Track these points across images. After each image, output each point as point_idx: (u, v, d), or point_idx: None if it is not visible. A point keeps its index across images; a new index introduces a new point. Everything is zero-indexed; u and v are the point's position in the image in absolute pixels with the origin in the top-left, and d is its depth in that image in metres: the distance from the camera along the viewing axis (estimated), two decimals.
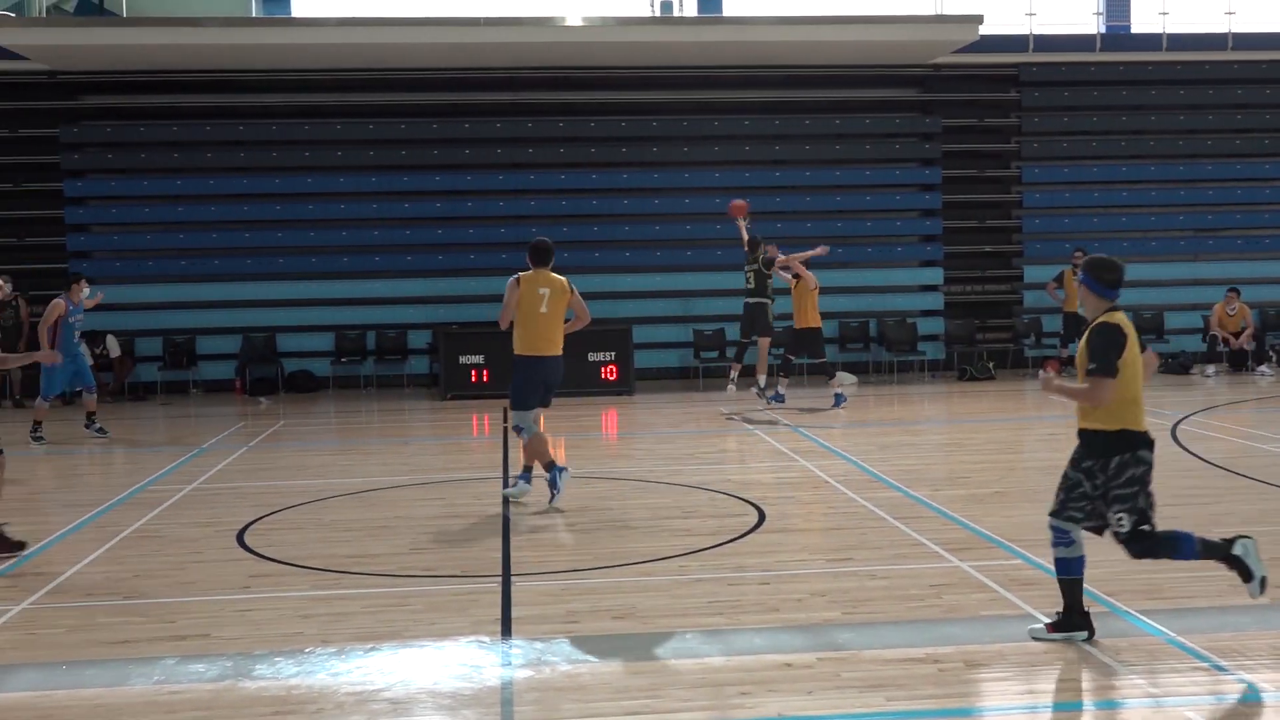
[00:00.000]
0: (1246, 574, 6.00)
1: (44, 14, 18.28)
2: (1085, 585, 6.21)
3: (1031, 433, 14.32)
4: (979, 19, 18.36)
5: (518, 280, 9.77)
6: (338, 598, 7.31)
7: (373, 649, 6.29)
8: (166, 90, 19.80)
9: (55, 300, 14.18)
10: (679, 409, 16.69)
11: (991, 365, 19.57)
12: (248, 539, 8.87)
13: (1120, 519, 5.93)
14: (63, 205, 19.57)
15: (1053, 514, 6.11)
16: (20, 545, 8.48)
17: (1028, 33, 20.69)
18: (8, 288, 17.74)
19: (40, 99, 19.68)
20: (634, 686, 5.67)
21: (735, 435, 14.06)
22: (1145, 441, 5.97)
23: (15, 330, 17.87)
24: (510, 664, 6.06)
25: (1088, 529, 6.07)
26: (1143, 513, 5.93)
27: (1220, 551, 6.04)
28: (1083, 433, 6.05)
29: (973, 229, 21.05)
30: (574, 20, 18.12)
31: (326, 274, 19.91)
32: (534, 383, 9.84)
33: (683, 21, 19.31)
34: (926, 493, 10.01)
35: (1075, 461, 6.05)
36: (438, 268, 20.00)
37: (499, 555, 8.27)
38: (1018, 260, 21.08)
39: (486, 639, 6.42)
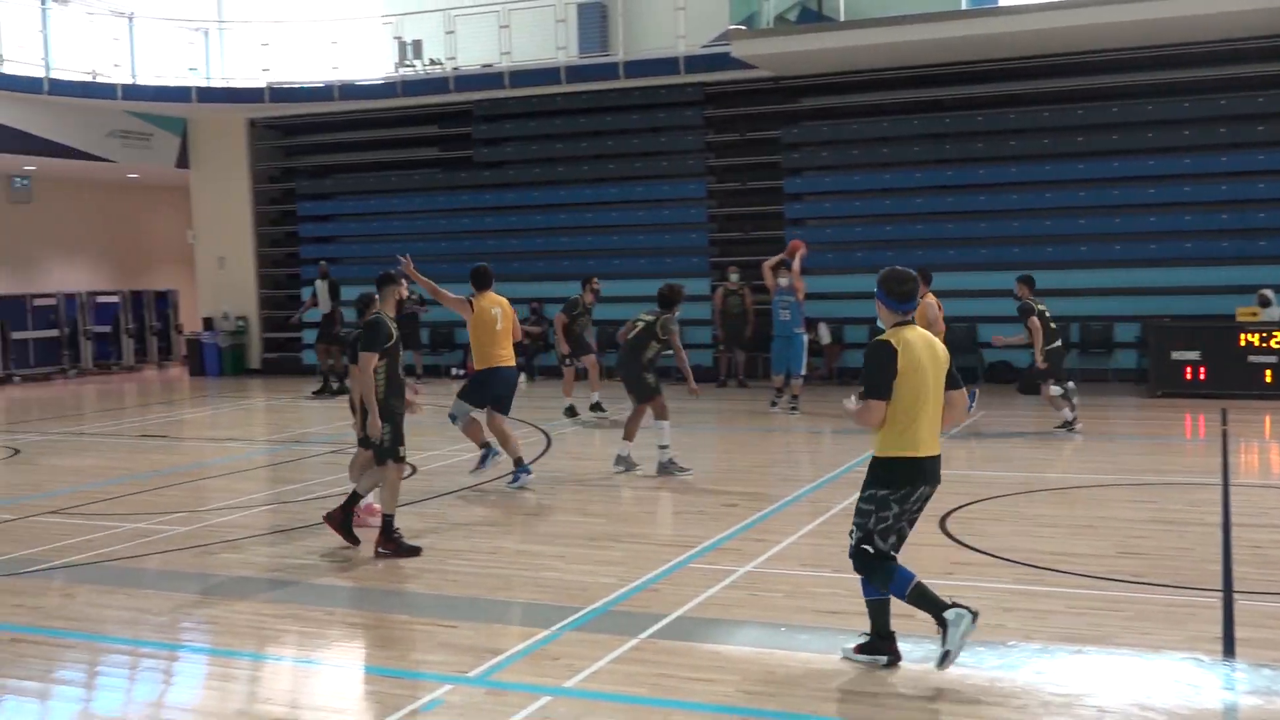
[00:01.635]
0: (943, 641, 5.60)
1: (770, 25, 19.73)
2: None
3: None
4: None
5: (469, 301, 10.86)
6: (1040, 594, 7.15)
7: (1078, 651, 6.08)
8: (876, 88, 20.59)
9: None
10: None
11: None
12: (950, 526, 8.96)
13: (850, 531, 5.88)
14: (783, 201, 21.11)
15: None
16: (416, 550, 8.56)
17: None
18: (734, 277, 19.50)
19: (765, 104, 21.35)
20: None
21: None
22: (903, 470, 5.66)
23: (741, 317, 19.59)
24: (1234, 688, 5.56)
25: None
26: (868, 533, 5.78)
27: (932, 608, 5.68)
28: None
29: None
30: None
31: (1029, 264, 19.54)
32: (489, 391, 10.91)
33: None
34: None
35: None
36: (1148, 257, 18.88)
37: (1218, 569, 7.62)
38: None
39: (1205, 657, 5.94)
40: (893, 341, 5.71)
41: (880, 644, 5.94)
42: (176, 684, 6.28)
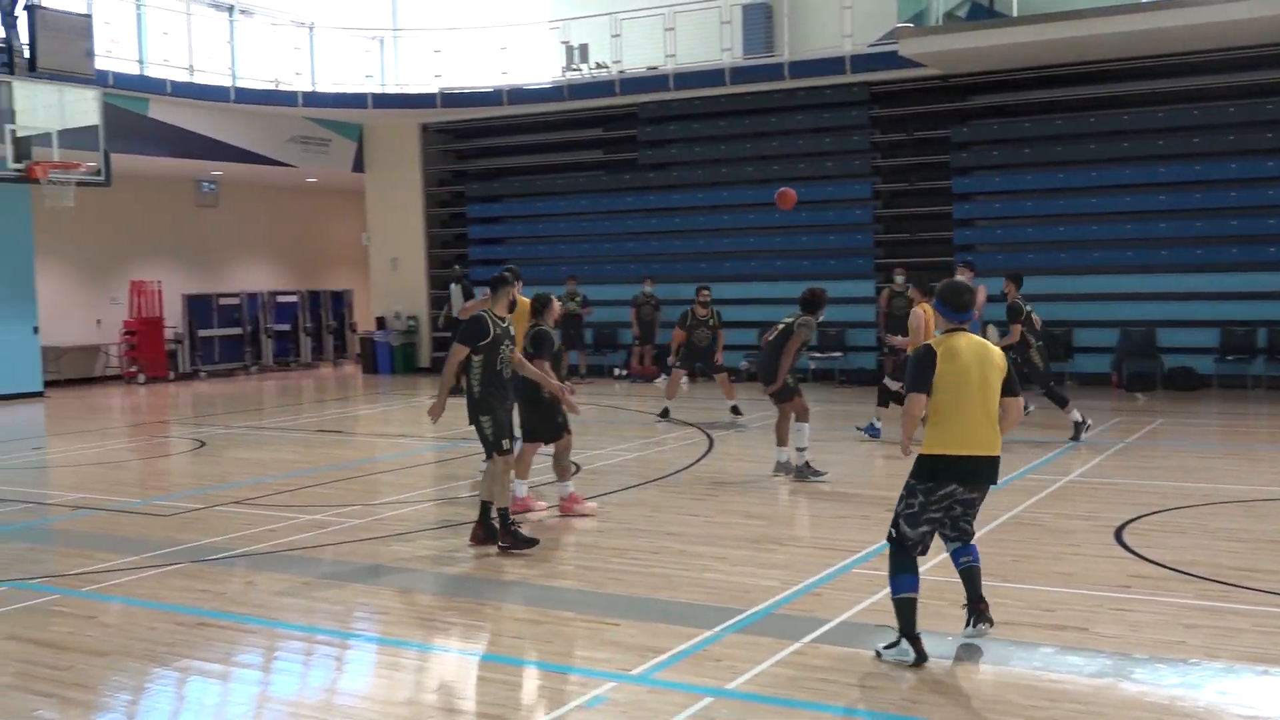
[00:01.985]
0: (888, 648, 6.09)
1: (939, 22, 19.35)
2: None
3: None
4: None
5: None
6: (1225, 611, 6.83)
7: (1265, 672, 5.79)
8: (1049, 84, 20.00)
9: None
10: None
11: None
12: (1126, 537, 8.64)
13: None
14: (951, 202, 20.69)
15: None
16: (534, 541, 8.72)
17: None
18: (899, 279, 19.17)
19: (933, 102, 20.95)
20: None
21: None
22: (934, 467, 6.04)
23: (907, 319, 19.24)
24: None
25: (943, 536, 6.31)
26: (897, 516, 6.19)
27: (902, 624, 6.05)
28: None
29: None
30: None
31: (1213, 266, 18.78)
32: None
33: None
34: None
35: None
36: None
37: None
38: None
39: None
40: (933, 345, 6.16)
41: (906, 643, 6.10)
42: (348, 671, 6.47)
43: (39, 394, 21.91)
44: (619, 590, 7.63)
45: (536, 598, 7.50)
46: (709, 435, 14.53)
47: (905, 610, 6.06)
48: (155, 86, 21.72)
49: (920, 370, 6.08)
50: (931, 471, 6.08)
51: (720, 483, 11.41)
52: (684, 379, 17.20)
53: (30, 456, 14.87)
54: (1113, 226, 19.52)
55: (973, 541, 6.39)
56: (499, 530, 8.71)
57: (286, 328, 28.16)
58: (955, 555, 6.37)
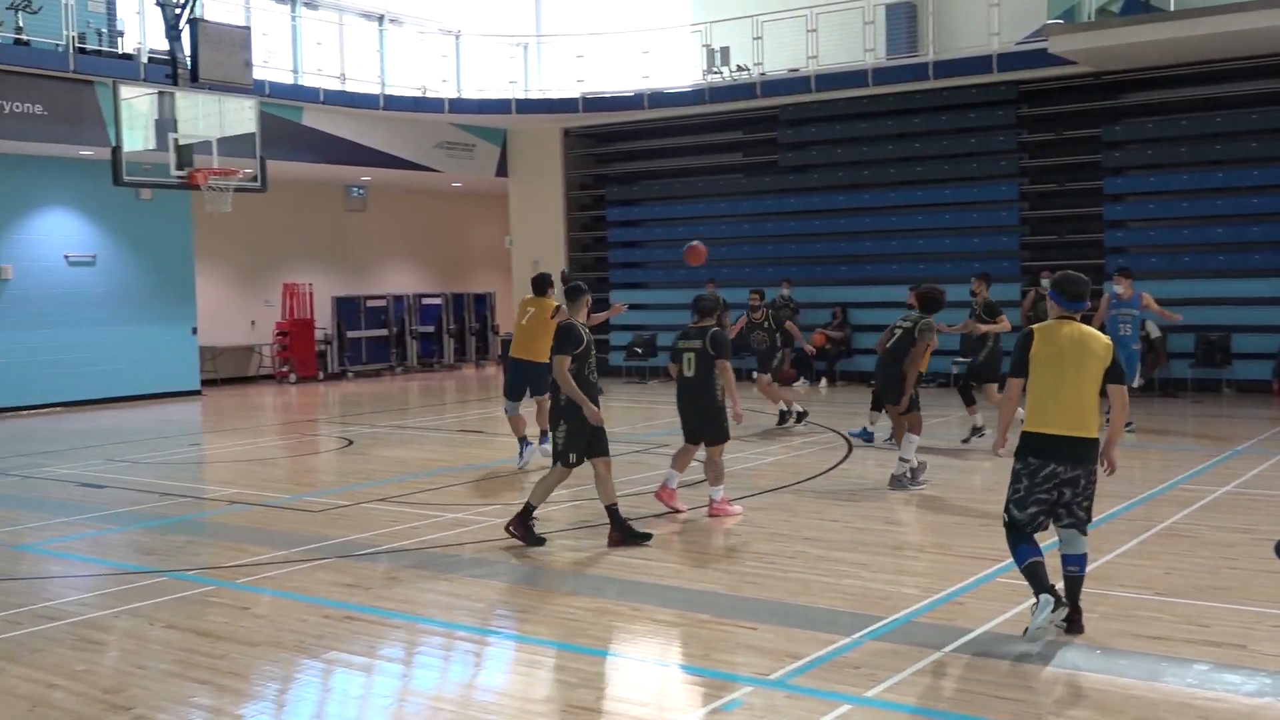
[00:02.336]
0: (1034, 616, 6.30)
1: (1091, 18, 18.82)
2: None
3: None
4: None
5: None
6: None
7: None
8: (1207, 81, 19.28)
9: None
10: None
11: None
12: None
13: None
14: (1101, 203, 20.08)
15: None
16: (541, 541, 8.98)
17: None
18: (1045, 283, 18.70)
19: (1084, 100, 20.37)
20: None
21: None
22: (1031, 444, 6.38)
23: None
24: None
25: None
26: (1005, 504, 6.54)
27: (1035, 587, 6.34)
28: None
29: None
30: None
31: None
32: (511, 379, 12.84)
33: None
34: None
35: None
36: None
37: None
38: None
39: None
40: (1034, 329, 6.50)
41: (1045, 596, 6.31)
42: (488, 668, 6.57)
43: (196, 392, 22.79)
44: (757, 594, 7.59)
45: (674, 600, 7.51)
46: (848, 440, 14.36)
47: (1034, 573, 6.38)
48: (309, 95, 22.43)
49: (1018, 353, 6.47)
50: (1030, 448, 6.39)
51: (860, 488, 11.27)
52: (802, 382, 17.06)
53: (188, 452, 15.47)
54: (1275, 227, 18.71)
55: (1086, 535, 6.56)
56: (515, 518, 9.04)
57: (431, 329, 28.77)
58: (1065, 561, 6.56)
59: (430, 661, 6.72)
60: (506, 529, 9.10)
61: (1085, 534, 6.55)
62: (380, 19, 24.68)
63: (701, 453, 10.22)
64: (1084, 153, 20.37)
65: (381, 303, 27.73)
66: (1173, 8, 18.12)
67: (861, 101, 22.16)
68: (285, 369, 25.50)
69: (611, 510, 8.99)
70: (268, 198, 19.61)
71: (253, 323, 26.15)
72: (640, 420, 17.75)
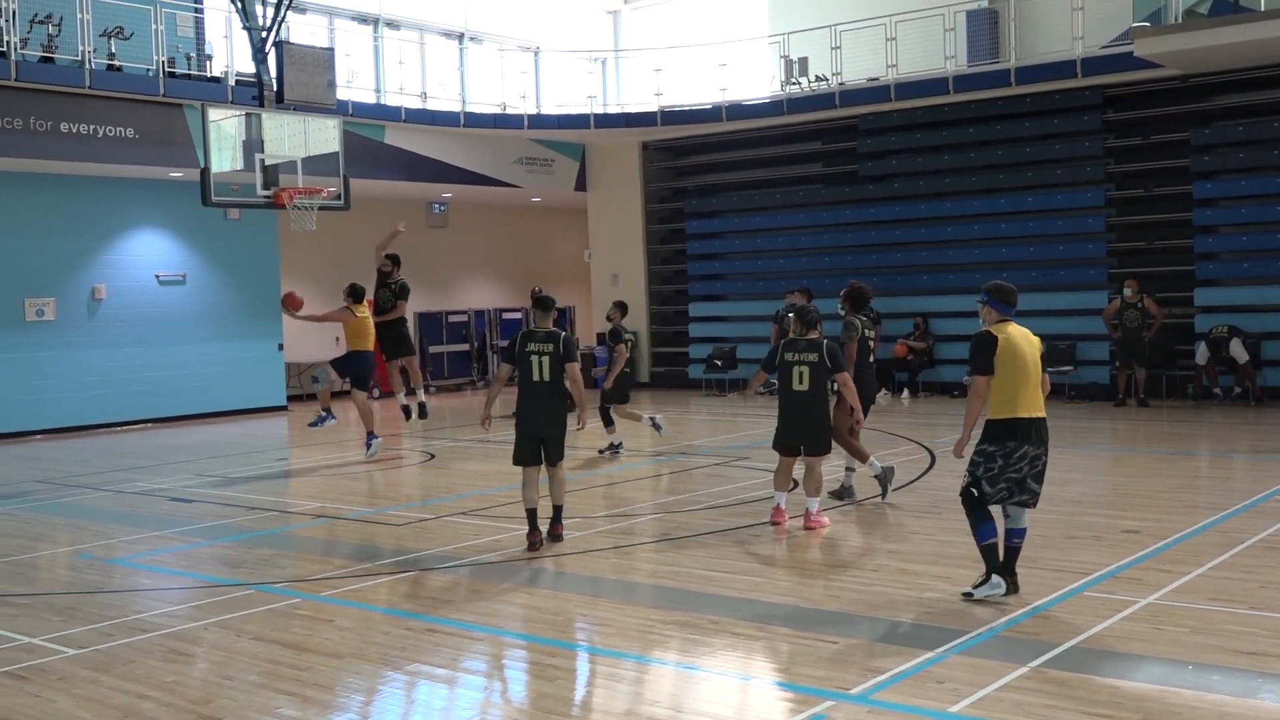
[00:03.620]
0: (977, 585, 7.45)
1: (1178, 20, 18.44)
2: None
3: None
4: None
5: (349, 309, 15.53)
6: None
7: None
8: None
9: None
10: None
11: None
12: None
13: (963, 477, 7.49)
14: (1191, 208, 19.66)
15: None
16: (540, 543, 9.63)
17: None
18: (1128, 291, 18.34)
19: (1171, 104, 19.97)
20: None
21: None
22: (1006, 429, 7.25)
23: (1138, 331, 18.42)
24: None
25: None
26: (977, 479, 7.36)
27: (990, 564, 7.43)
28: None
29: None
30: None
31: None
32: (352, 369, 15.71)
33: None
34: None
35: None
36: None
37: None
38: None
39: None
40: (994, 332, 7.41)
41: (996, 577, 7.41)
42: (567, 681, 6.58)
43: (283, 408, 23.18)
44: (838, 608, 7.52)
45: (755, 613, 7.46)
46: (930, 451, 14.19)
47: (991, 553, 7.39)
48: (391, 114, 22.74)
49: (984, 355, 7.33)
50: (1009, 433, 7.25)
51: (943, 500, 11.12)
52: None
53: (274, 467, 15.74)
54: None
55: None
56: (550, 523, 9.78)
57: None
58: (1010, 534, 7.49)
59: (512, 674, 6.75)
60: (549, 538, 9.60)
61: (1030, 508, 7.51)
62: (460, 37, 24.98)
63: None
64: (1172, 157, 19.96)
65: (463, 317, 27.99)
66: (1263, 8, 17.70)
67: (942, 109, 21.92)
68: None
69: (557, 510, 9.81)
70: (351, 215, 19.88)
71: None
72: (722, 433, 17.71)
